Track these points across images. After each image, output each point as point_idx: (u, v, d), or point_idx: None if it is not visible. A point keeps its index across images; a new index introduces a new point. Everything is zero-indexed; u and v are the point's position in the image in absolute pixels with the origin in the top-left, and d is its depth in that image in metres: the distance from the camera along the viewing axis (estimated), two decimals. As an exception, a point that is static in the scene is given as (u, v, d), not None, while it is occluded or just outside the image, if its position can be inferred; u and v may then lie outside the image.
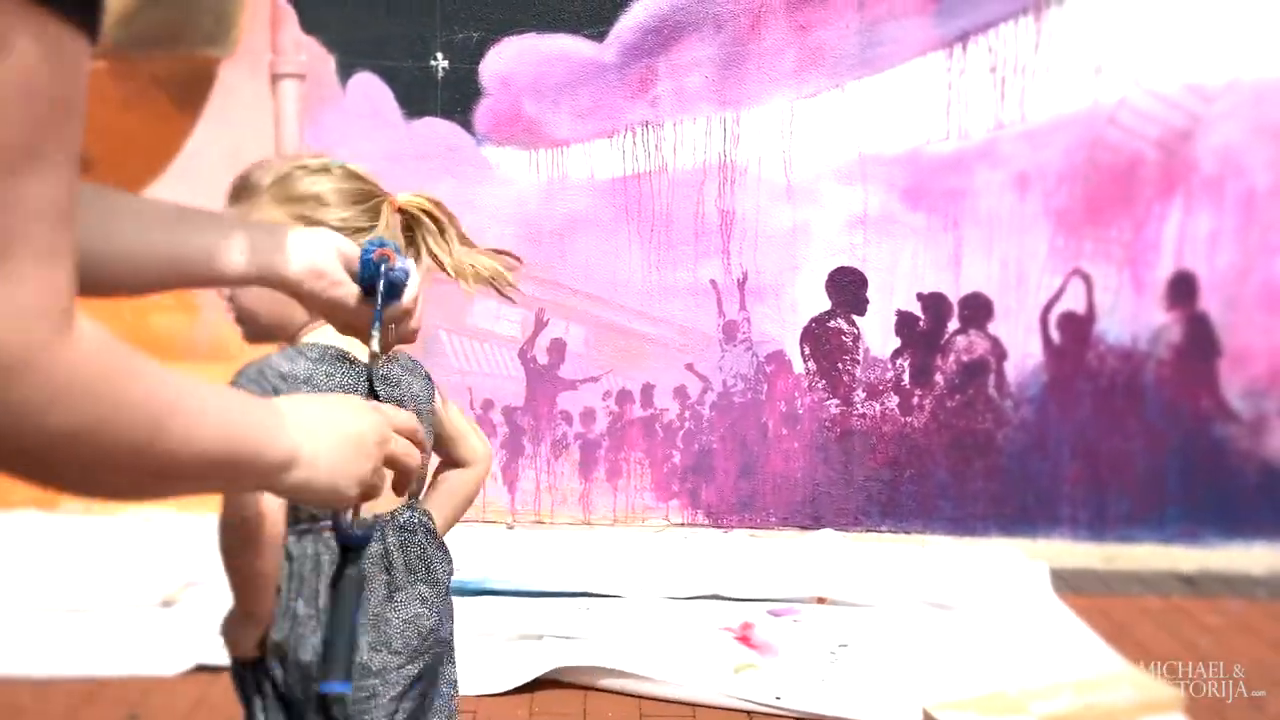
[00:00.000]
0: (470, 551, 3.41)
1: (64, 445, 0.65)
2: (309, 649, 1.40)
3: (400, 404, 1.43)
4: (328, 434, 0.90)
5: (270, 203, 1.43)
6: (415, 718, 1.49)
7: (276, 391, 1.38)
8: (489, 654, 2.75)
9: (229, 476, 0.84)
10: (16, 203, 0.58)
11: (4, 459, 0.64)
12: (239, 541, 1.38)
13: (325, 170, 1.45)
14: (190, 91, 3.55)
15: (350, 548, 1.02)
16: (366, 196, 1.43)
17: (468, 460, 1.64)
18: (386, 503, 1.41)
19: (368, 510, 1.03)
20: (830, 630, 2.99)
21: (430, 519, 1.54)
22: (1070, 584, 3.41)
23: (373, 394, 1.14)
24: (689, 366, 3.74)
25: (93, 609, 2.96)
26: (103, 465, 0.69)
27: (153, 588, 3.07)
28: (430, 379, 1.59)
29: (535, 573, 3.26)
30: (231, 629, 1.46)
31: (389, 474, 0.96)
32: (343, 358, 1.45)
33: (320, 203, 1.41)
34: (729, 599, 3.17)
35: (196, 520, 3.54)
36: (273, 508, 1.38)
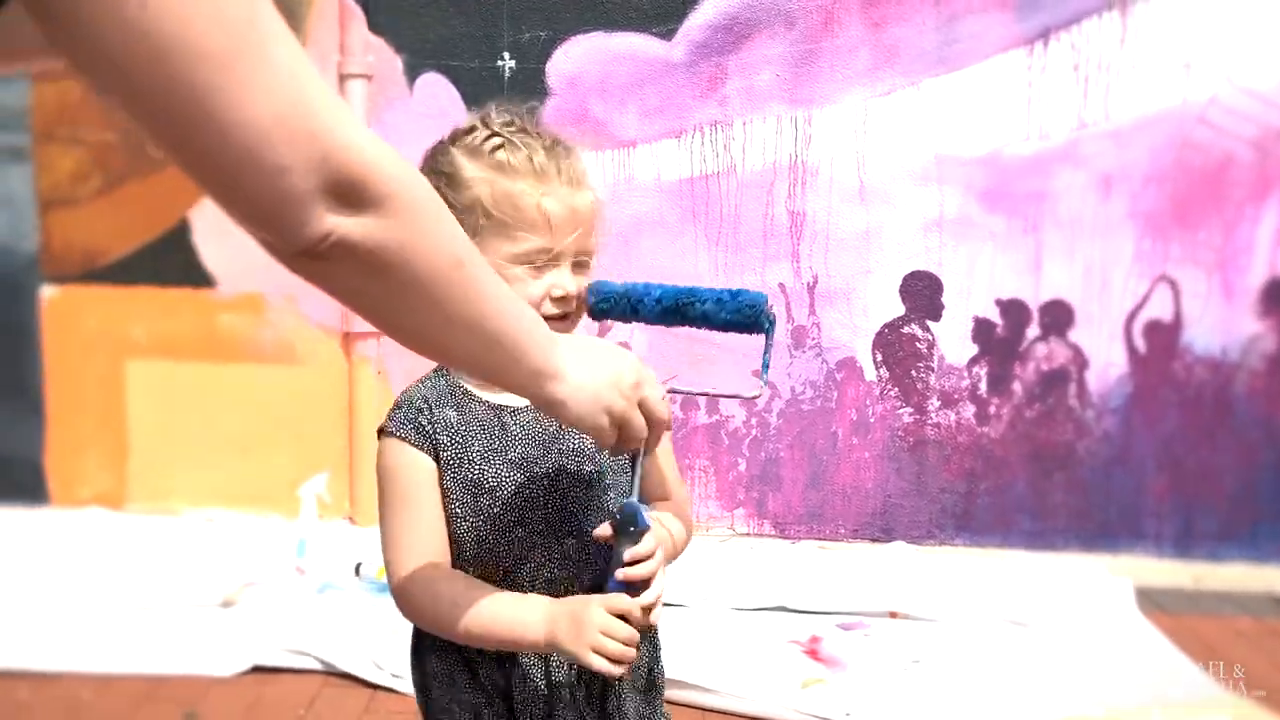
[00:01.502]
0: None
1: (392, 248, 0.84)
2: None
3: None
4: (590, 363, 1.07)
5: None
6: None
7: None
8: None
9: (497, 356, 0.99)
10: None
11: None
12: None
13: None
14: (259, 92, 3.55)
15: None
16: None
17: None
18: None
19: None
20: (902, 646, 2.87)
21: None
22: (1156, 602, 3.26)
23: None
24: (755, 373, 3.64)
25: (154, 607, 2.95)
26: (411, 284, 0.87)
27: (213, 588, 3.05)
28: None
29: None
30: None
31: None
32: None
33: None
34: (796, 611, 3.07)
35: (257, 520, 3.55)
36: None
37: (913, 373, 3.58)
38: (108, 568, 3.15)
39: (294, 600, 3.00)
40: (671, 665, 2.63)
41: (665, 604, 2.77)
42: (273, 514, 3.58)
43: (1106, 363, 3.55)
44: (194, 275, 3.63)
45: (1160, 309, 3.52)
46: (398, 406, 1.38)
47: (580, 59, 3.53)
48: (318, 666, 2.66)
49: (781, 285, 3.60)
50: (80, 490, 3.67)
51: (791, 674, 2.69)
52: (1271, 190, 3.45)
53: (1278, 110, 3.41)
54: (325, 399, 3.66)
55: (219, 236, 3.61)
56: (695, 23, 3.49)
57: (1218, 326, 3.51)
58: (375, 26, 3.52)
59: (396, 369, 3.66)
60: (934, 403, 3.60)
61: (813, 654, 2.81)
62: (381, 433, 1.36)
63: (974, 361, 3.58)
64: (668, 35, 3.51)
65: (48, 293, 3.69)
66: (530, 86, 3.52)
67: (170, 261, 3.63)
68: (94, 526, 3.43)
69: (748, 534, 3.71)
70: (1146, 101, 3.43)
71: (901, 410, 3.60)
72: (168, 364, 3.66)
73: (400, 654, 2.63)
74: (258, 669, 2.65)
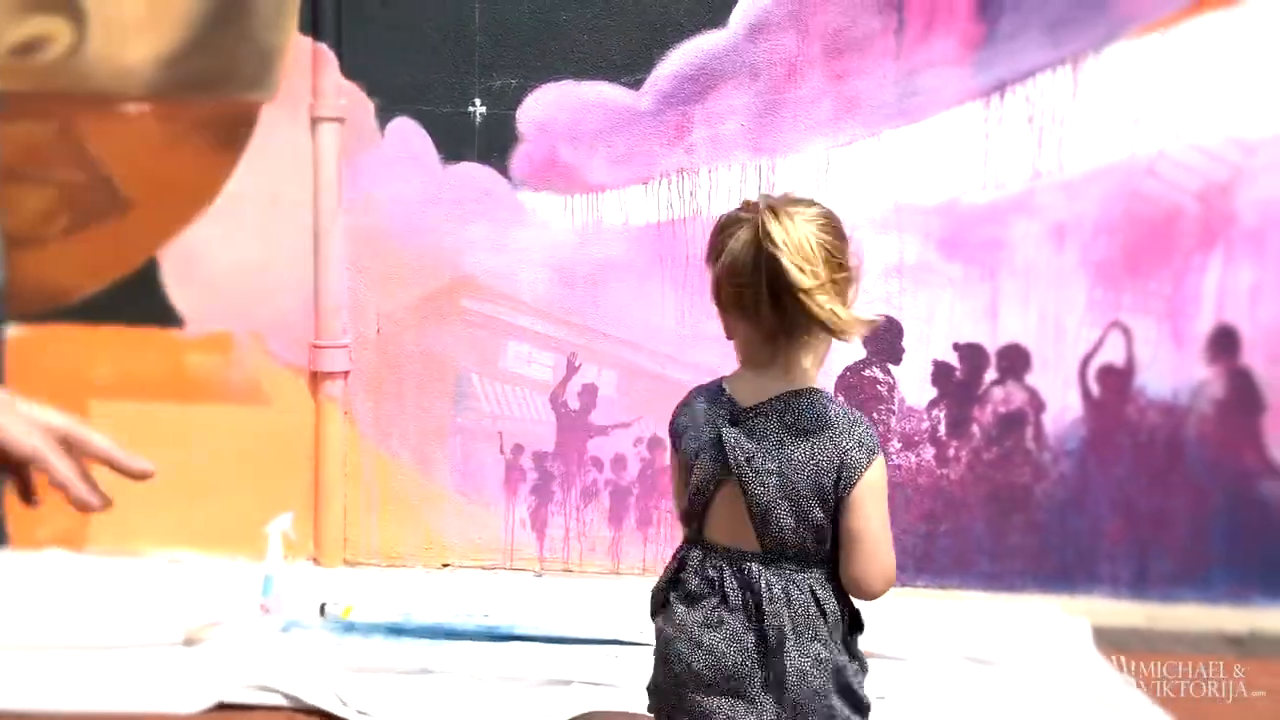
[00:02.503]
0: (498, 598, 3.37)
1: None
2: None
3: (750, 460, 1.53)
4: None
5: None
6: None
7: (675, 414, 1.69)
8: (516, 699, 2.69)
9: None
10: None
11: None
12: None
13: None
14: (231, 134, 3.59)
15: None
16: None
17: (850, 581, 1.64)
18: None
19: None
20: (869, 682, 2.89)
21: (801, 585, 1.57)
22: (1112, 642, 3.32)
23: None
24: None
25: (117, 647, 2.93)
26: None
27: (176, 627, 3.03)
28: (861, 445, 1.55)
29: (563, 619, 3.20)
30: None
31: None
32: (720, 396, 1.63)
33: None
34: (761, 650, 3.10)
35: (221, 562, 3.53)
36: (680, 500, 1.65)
37: (874, 415, 3.65)
38: (69, 609, 3.12)
39: (259, 639, 2.99)
40: (637, 702, 2.66)
41: (630, 642, 2.79)
42: (238, 554, 3.57)
43: (1062, 406, 3.64)
44: (161, 315, 3.64)
45: (1114, 354, 3.62)
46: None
47: (550, 106, 3.60)
48: (283, 703, 2.65)
49: (746, 329, 3.66)
50: (39, 531, 3.64)
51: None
52: (1217, 241, 3.58)
53: (1221, 165, 3.54)
54: (292, 439, 3.66)
55: (187, 276, 3.63)
56: (663, 73, 3.59)
57: (1169, 372, 3.61)
58: (348, 71, 3.58)
59: (363, 409, 3.68)
60: (895, 444, 3.67)
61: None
62: (876, 452, 1.54)
63: (933, 404, 3.66)
64: (636, 85, 3.59)
65: (12, 331, 3.68)
66: (501, 132, 3.59)
67: (137, 301, 3.64)
68: (55, 568, 3.40)
69: (712, 575, 3.73)
70: (1097, 154, 3.56)
71: (863, 452, 3.66)
72: (133, 404, 3.65)
73: (365, 691, 2.63)
74: (223, 706, 2.64)
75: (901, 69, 3.56)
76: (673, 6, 3.56)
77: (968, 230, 3.60)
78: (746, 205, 1.54)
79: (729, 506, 1.53)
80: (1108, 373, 3.63)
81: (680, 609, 1.54)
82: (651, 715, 1.66)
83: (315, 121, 3.59)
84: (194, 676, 2.75)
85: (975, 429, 3.66)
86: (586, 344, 3.69)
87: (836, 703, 1.53)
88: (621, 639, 3.10)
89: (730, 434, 1.51)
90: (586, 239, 3.66)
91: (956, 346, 3.64)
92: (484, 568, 3.72)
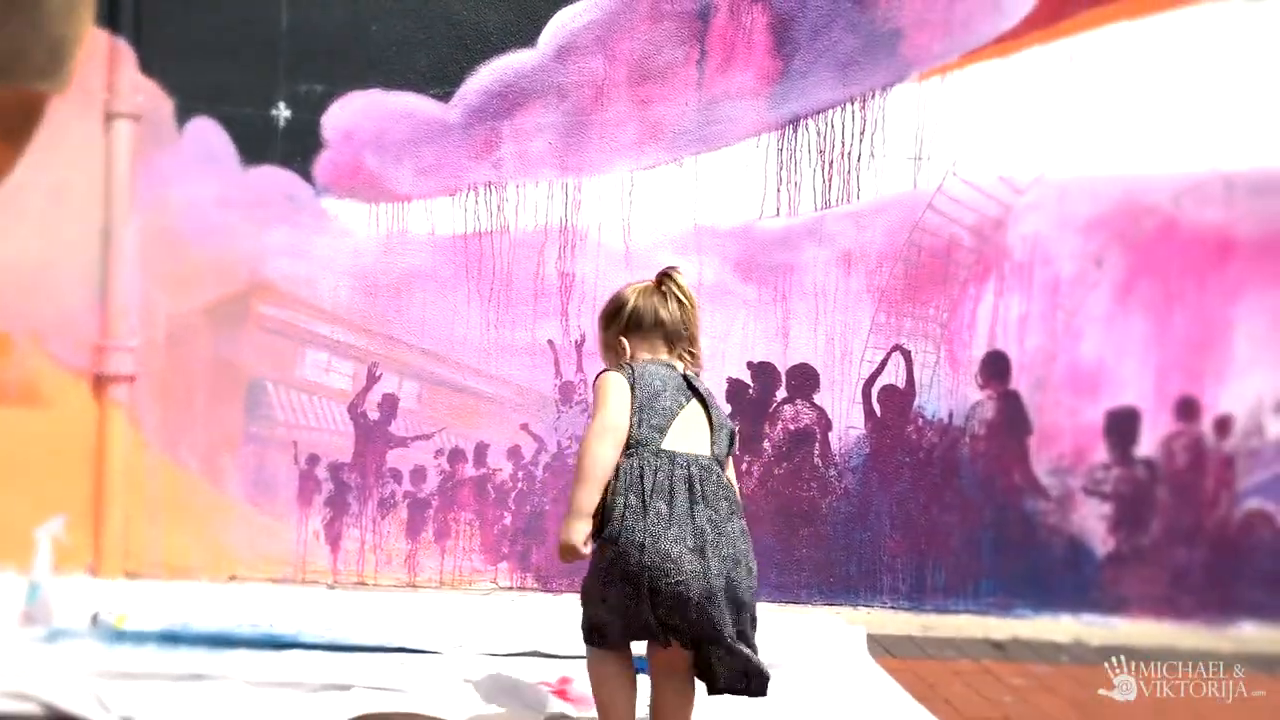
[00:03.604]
0: (286, 609, 3.30)
1: None
2: (636, 530, 2.12)
3: (709, 397, 2.32)
4: None
5: None
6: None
7: (628, 372, 2.27)
8: (292, 704, 2.64)
9: None
10: None
11: None
12: (602, 438, 2.18)
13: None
14: (17, 125, 3.44)
15: None
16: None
17: None
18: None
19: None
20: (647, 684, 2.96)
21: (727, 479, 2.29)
22: (886, 648, 3.49)
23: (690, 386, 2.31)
24: (524, 427, 3.73)
25: None
26: None
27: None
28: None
29: (351, 628, 3.16)
30: (565, 531, 2.20)
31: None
32: (668, 364, 2.34)
33: None
34: (550, 655, 3.13)
35: None
36: (624, 426, 2.18)
37: (671, 430, 3.75)
38: None
39: (19, 647, 2.84)
40: (417, 705, 2.65)
41: (417, 650, 2.86)
42: (7, 563, 3.38)
43: (847, 424, 3.82)
44: (-68, 311, 3.45)
45: (895, 376, 3.83)
46: None
47: (357, 114, 3.60)
48: (37, 711, 2.52)
49: (550, 342, 3.72)
50: None
51: (538, 709, 2.73)
52: (990, 273, 3.85)
53: (994, 202, 3.81)
54: (72, 444, 3.51)
55: (-38, 271, 3.45)
56: (472, 87, 3.64)
57: (945, 394, 3.85)
58: (146, 67, 3.50)
59: (150, 415, 3.56)
60: (691, 459, 3.77)
61: (561, 694, 2.86)
62: None
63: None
64: (445, 97, 3.63)
65: None
66: (304, 137, 3.57)
67: (-95, 295, 3.44)
68: None
69: (510, 588, 3.75)
70: (883, 187, 3.78)
71: (660, 466, 3.75)
72: (-104, 405, 3.44)
73: (131, 697, 2.53)
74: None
75: (703, 98, 3.71)
76: (483, 23, 3.62)
77: (762, 254, 3.77)
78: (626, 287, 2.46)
79: (685, 427, 2.22)
80: (889, 393, 3.83)
81: (661, 505, 2.11)
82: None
83: (109, 117, 3.48)
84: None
85: (767, 445, 3.80)
86: (388, 354, 3.68)
87: (752, 559, 2.25)
88: (408, 646, 3.08)
89: (694, 380, 2.30)
90: (391, 248, 3.66)
91: (750, 365, 3.79)
92: (274, 580, 3.63)
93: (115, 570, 3.55)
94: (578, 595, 3.21)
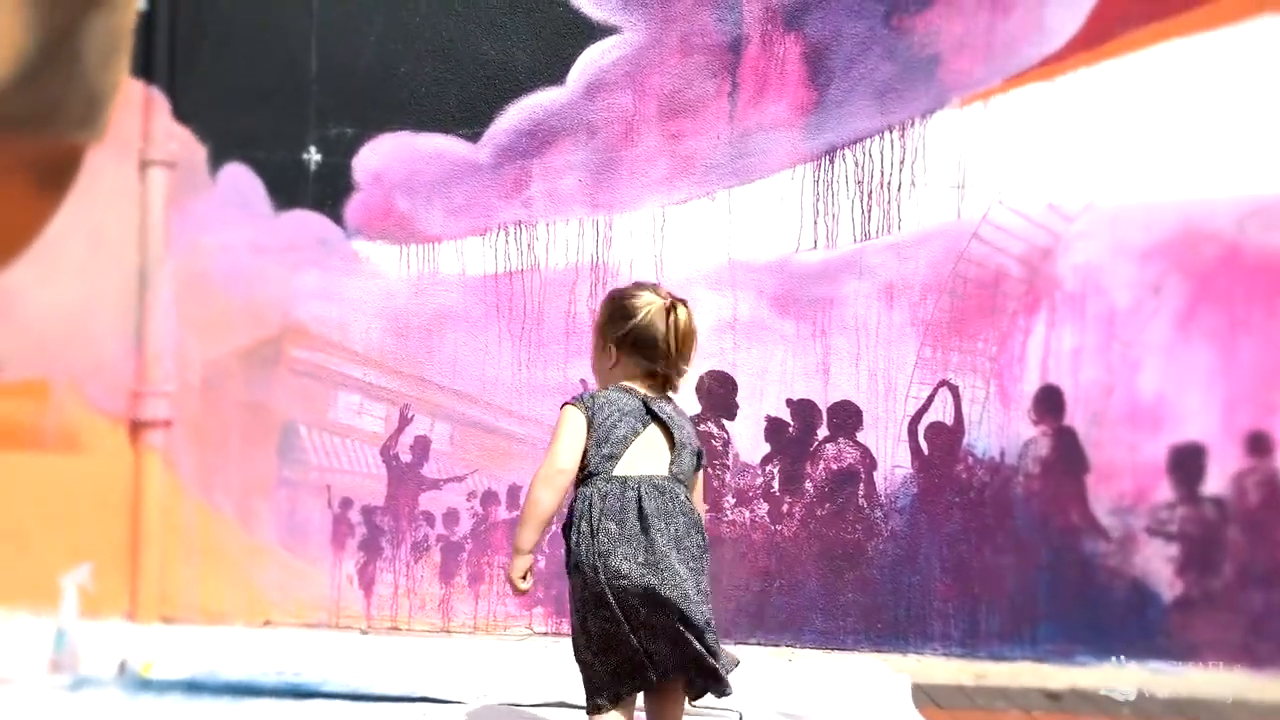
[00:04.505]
0: (318, 656, 3.26)
1: None
2: (589, 553, 2.20)
3: (671, 419, 2.33)
4: None
5: None
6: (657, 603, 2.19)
7: (586, 406, 2.31)
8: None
9: None
10: None
11: None
12: (547, 484, 2.28)
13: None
14: (56, 174, 3.52)
15: None
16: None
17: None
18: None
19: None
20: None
21: (686, 496, 2.31)
22: (933, 698, 3.32)
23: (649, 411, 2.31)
24: (557, 469, 3.66)
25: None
26: None
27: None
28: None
29: (381, 675, 3.11)
30: (509, 568, 2.33)
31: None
32: (633, 392, 2.34)
33: None
34: (576, 707, 3.03)
35: (23, 618, 3.37)
36: (571, 468, 2.28)
37: (709, 470, 3.65)
38: None
39: (42, 697, 2.84)
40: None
41: (440, 700, 2.98)
42: (43, 609, 3.40)
43: (893, 464, 3.68)
44: (-24, 359, 3.52)
45: (942, 413, 3.68)
46: None
47: (387, 156, 3.60)
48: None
49: (583, 381, 3.65)
50: None
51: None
52: (1041, 303, 3.69)
53: (1043, 231, 3.66)
54: (108, 490, 3.54)
55: (2, 319, 3.51)
56: (501, 127, 3.61)
57: (996, 431, 3.69)
58: (180, 115, 3.55)
59: (186, 459, 3.57)
60: (729, 500, 3.67)
61: (583, 748, 2.77)
62: None
63: (767, 460, 3.67)
64: (474, 138, 3.61)
65: None
66: (335, 180, 3.58)
67: (-50, 344, 3.51)
68: None
69: (546, 633, 3.67)
70: (925, 217, 3.66)
71: (697, 508, 3.65)
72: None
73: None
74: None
75: (735, 131, 3.64)
76: (512, 62, 3.60)
77: (800, 288, 3.66)
78: (641, 286, 2.43)
79: (641, 451, 2.29)
80: (937, 431, 3.69)
81: (611, 525, 2.20)
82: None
83: (144, 165, 3.53)
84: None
85: (808, 485, 3.68)
86: (420, 395, 3.65)
87: (706, 574, 2.29)
88: (432, 696, 3.01)
89: (654, 404, 2.32)
90: (422, 289, 3.64)
91: (789, 402, 3.67)
92: (308, 625, 3.61)
93: (151, 615, 3.55)
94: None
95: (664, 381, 2.37)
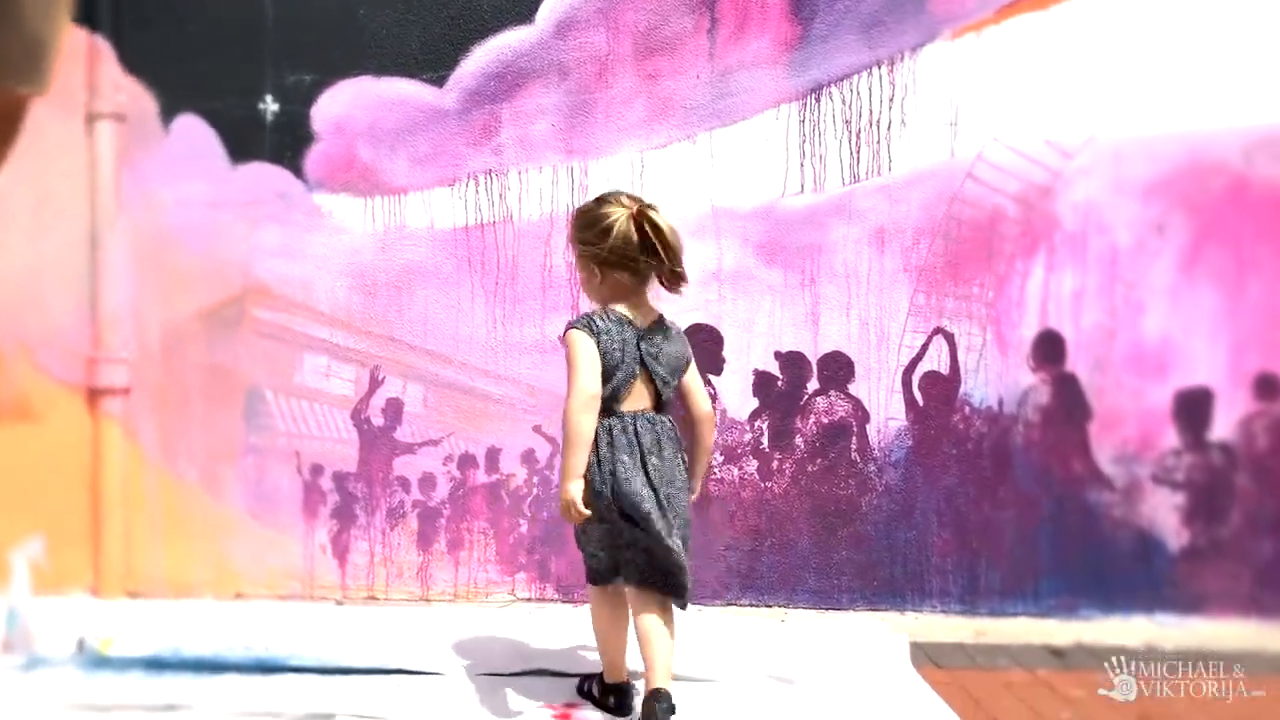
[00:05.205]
0: (291, 628, 3.12)
1: None
2: (596, 474, 2.43)
3: (656, 358, 2.49)
4: None
5: None
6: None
7: (592, 331, 2.43)
8: (267, 735, 2.45)
9: None
10: None
11: None
12: (586, 410, 2.40)
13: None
14: (-2, 131, 3.32)
15: None
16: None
17: (696, 412, 2.63)
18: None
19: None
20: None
21: (670, 421, 2.55)
22: (932, 657, 3.19)
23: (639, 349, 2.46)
24: (537, 429, 3.51)
25: None
26: None
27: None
28: (687, 343, 2.61)
29: (349, 648, 2.96)
30: (564, 493, 2.39)
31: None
32: (628, 323, 2.47)
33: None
34: (558, 674, 2.90)
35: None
36: (599, 389, 2.42)
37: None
38: None
39: (-7, 679, 2.70)
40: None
41: (417, 671, 2.89)
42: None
43: (887, 416, 3.52)
44: (-78, 327, 3.35)
45: (937, 361, 3.52)
46: None
47: (347, 103, 3.41)
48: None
49: (561, 338, 3.48)
50: None
51: (534, 740, 2.51)
52: (1039, 246, 3.52)
53: (1040, 168, 3.49)
54: (66, 461, 3.38)
55: (-53, 284, 3.34)
56: (467, 70, 3.42)
57: (994, 379, 3.53)
58: (128, 65, 3.35)
59: (147, 428, 3.41)
60: (717, 457, 3.52)
61: (564, 719, 2.63)
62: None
63: (755, 415, 3.52)
64: (439, 82, 3.42)
65: None
66: (294, 130, 3.39)
67: (-106, 312, 3.34)
68: None
69: (530, 599, 3.54)
70: (917, 157, 3.47)
71: (684, 466, 3.50)
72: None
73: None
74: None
75: (715, 69, 3.45)
76: (477, 1, 3.40)
77: (787, 235, 3.49)
78: (603, 200, 2.49)
79: (638, 387, 2.48)
80: (932, 380, 3.53)
81: (624, 456, 2.42)
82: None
83: (91, 118, 3.35)
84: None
85: (799, 440, 3.53)
86: (390, 356, 3.48)
87: (687, 494, 2.56)
88: (408, 668, 2.87)
89: (643, 346, 2.47)
90: (389, 244, 3.46)
91: (778, 355, 3.51)
92: (280, 597, 3.47)
93: (117, 590, 3.41)
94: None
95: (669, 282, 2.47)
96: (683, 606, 2.49)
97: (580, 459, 2.39)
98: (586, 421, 2.39)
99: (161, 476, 3.43)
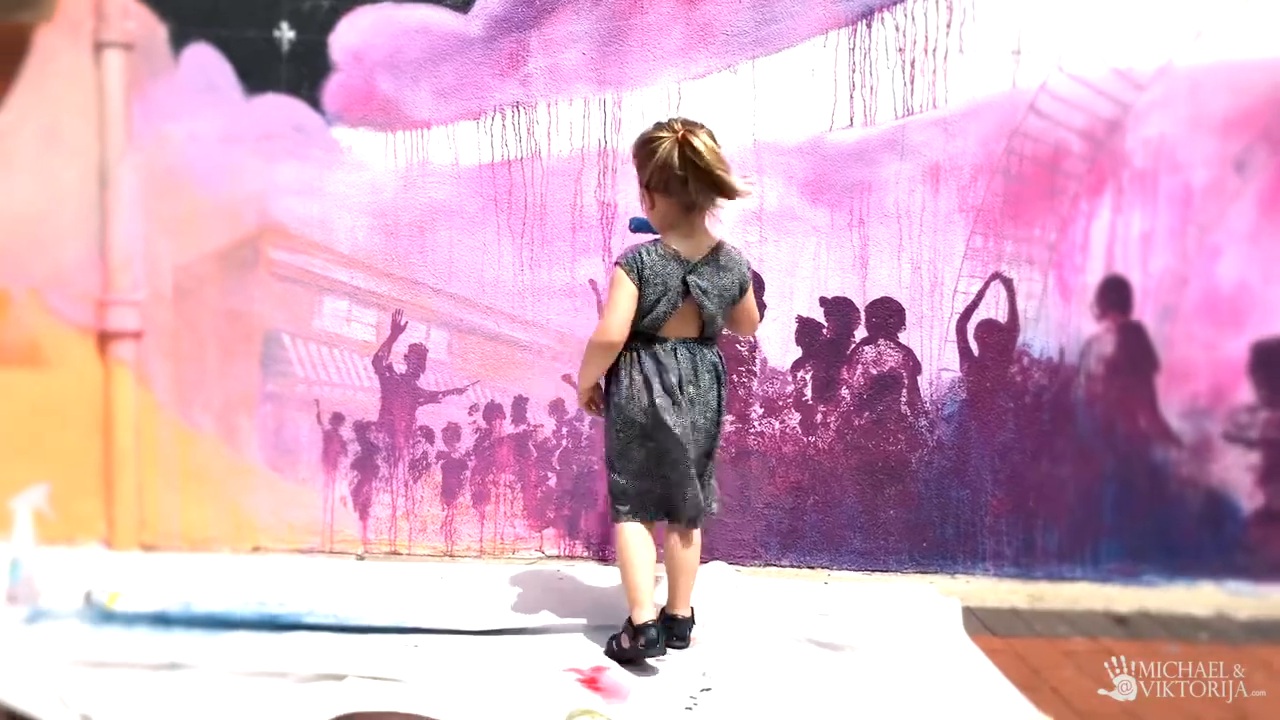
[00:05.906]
0: (311, 584, 2.98)
1: None
2: (637, 398, 2.52)
3: (705, 292, 2.49)
4: None
5: None
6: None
7: (637, 267, 2.46)
8: (273, 697, 2.30)
9: None
10: None
11: None
12: (605, 351, 2.51)
13: None
14: (2, 61, 3.16)
15: None
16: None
17: (737, 333, 2.74)
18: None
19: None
20: (696, 673, 2.54)
21: (713, 352, 2.60)
22: (986, 623, 2.99)
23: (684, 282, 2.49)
24: (566, 378, 3.33)
25: None
26: None
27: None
28: (747, 269, 2.61)
29: (367, 606, 2.82)
30: (580, 389, 2.63)
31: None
32: (676, 257, 2.48)
33: None
34: (588, 634, 2.73)
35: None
36: (625, 332, 2.48)
37: (733, 378, 3.30)
38: None
39: (-3, 631, 2.58)
40: (413, 699, 2.28)
41: (437, 630, 2.78)
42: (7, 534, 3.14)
43: (939, 367, 3.31)
44: (-71, 268, 3.22)
45: (995, 309, 3.29)
46: None
47: (367, 31, 3.22)
48: (-11, 707, 2.24)
49: (592, 282, 3.30)
50: None
51: (556, 705, 2.33)
52: (1106, 184, 3.27)
53: (1108, 100, 3.23)
54: (77, 407, 3.25)
55: (-48, 222, 3.20)
56: (494, -6, 3.21)
57: (1055, 327, 3.29)
58: (136, -10, 3.18)
59: (160, 374, 3.27)
60: (756, 410, 3.32)
61: (591, 683, 2.46)
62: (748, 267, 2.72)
63: (798, 365, 3.31)
64: (464, 8, 3.22)
65: None
66: (311, 60, 3.21)
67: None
68: None
69: (558, 556, 3.37)
70: (975, 88, 3.23)
71: (722, 418, 3.30)
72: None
73: (97, 691, 2.23)
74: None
75: (759, -8, 3.21)
76: (504, -79, 3.19)
77: (834, 172, 3.26)
78: (659, 126, 2.45)
79: (682, 316, 2.51)
80: (988, 329, 3.30)
81: (656, 381, 2.50)
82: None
83: (99, 47, 3.18)
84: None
85: (845, 392, 3.32)
86: (413, 300, 3.31)
87: (723, 421, 2.63)
88: (426, 626, 2.72)
89: (690, 279, 2.48)
90: (411, 181, 3.28)
91: (823, 301, 3.30)
92: (300, 551, 3.33)
93: (130, 542, 3.29)
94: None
95: (697, 217, 2.47)
96: (696, 525, 2.63)
97: (591, 377, 2.58)
98: (602, 359, 2.53)
99: (175, 425, 3.29)
